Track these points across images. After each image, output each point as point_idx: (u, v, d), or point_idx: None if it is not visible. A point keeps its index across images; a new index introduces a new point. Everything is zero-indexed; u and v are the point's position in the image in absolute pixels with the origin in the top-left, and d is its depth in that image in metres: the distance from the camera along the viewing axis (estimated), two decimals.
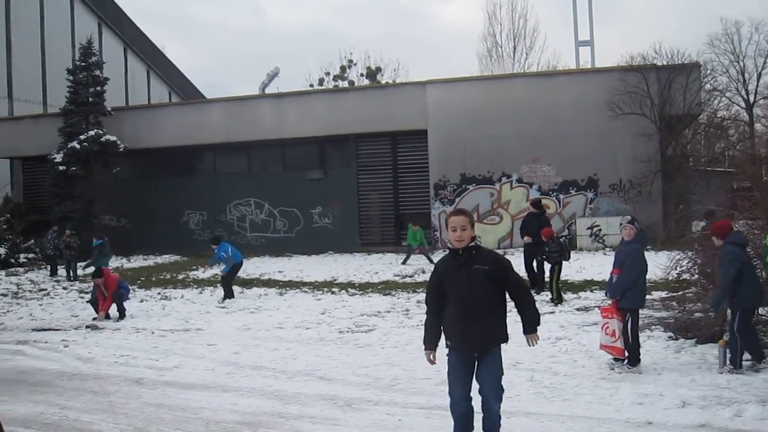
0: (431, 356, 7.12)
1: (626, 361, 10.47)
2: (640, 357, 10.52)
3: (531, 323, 7.03)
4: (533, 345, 7.07)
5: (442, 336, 7.08)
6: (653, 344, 11.96)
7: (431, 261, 26.97)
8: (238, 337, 14.71)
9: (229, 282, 20.80)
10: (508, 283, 6.88)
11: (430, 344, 7.11)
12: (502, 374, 7.10)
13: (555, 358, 11.35)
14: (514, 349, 11.97)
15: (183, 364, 12.23)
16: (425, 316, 7.19)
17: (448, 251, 6.99)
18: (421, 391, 9.73)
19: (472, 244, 6.84)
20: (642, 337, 12.28)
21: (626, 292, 10.43)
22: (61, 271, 28.83)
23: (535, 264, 19.82)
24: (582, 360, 11.13)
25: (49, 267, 30.12)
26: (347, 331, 14.86)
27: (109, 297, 17.91)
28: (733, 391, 9.06)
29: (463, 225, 6.77)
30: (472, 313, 6.71)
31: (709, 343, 11.33)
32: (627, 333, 10.48)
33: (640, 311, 11.02)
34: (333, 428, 8.23)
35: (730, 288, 9.86)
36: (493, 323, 6.84)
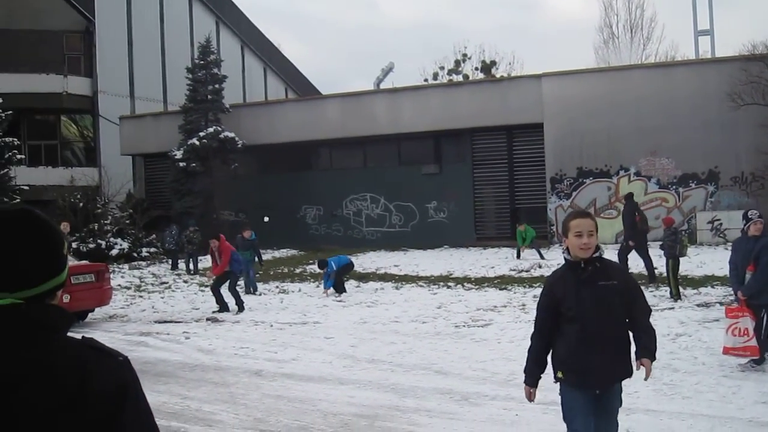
0: (531, 394, 6.12)
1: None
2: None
3: (647, 347, 5.68)
4: (647, 377, 5.79)
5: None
6: None
7: (542, 256, 26.77)
8: (354, 330, 14.89)
9: (340, 280, 20.98)
10: (635, 305, 5.68)
11: (532, 378, 6.08)
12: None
13: (675, 354, 11.17)
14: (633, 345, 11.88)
15: (301, 356, 12.45)
16: (530, 341, 6.16)
17: (564, 262, 5.80)
18: (539, 387, 9.68)
19: (597, 254, 5.63)
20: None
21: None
22: (182, 265, 29.55)
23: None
24: (702, 357, 10.93)
25: (170, 261, 30.92)
26: (463, 326, 14.89)
27: (223, 263, 18.40)
28: None
29: (590, 230, 5.58)
30: (596, 340, 5.48)
31: None
32: (761, 331, 10.12)
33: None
34: (450, 422, 8.27)
35: None
36: (620, 352, 5.66)
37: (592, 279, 5.52)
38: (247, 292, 21.58)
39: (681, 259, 17.63)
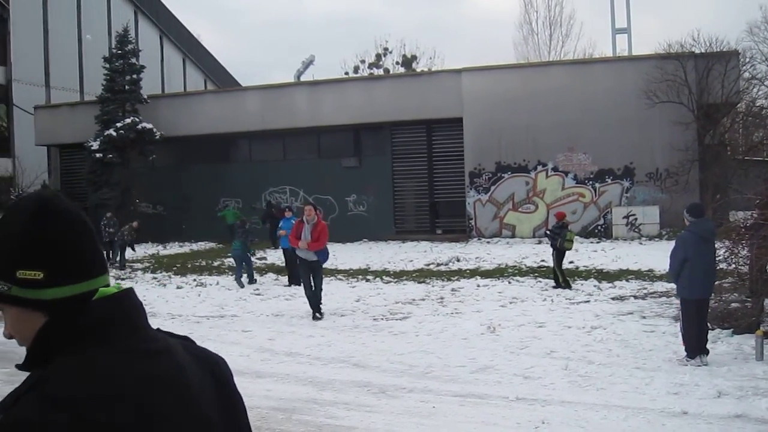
0: None
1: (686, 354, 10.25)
2: (704, 348, 10.18)
3: None
4: None
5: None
6: None
7: None
8: (272, 323, 14.80)
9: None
10: None
11: None
12: None
13: (590, 347, 11.32)
14: (549, 338, 12.02)
15: (218, 350, 12.06)
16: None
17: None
18: (455, 379, 9.74)
19: None
20: (677, 326, 12.23)
21: (677, 281, 10.22)
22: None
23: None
24: (617, 349, 11.09)
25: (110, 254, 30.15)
26: (382, 319, 14.89)
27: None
28: None
29: None
30: None
31: (745, 334, 11.22)
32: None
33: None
34: (367, 415, 8.26)
35: None
36: None
37: None
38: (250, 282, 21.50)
39: (567, 252, 19.03)
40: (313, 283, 15.18)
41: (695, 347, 10.09)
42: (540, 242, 29.94)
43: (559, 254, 18.63)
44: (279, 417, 8.33)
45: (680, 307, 10.27)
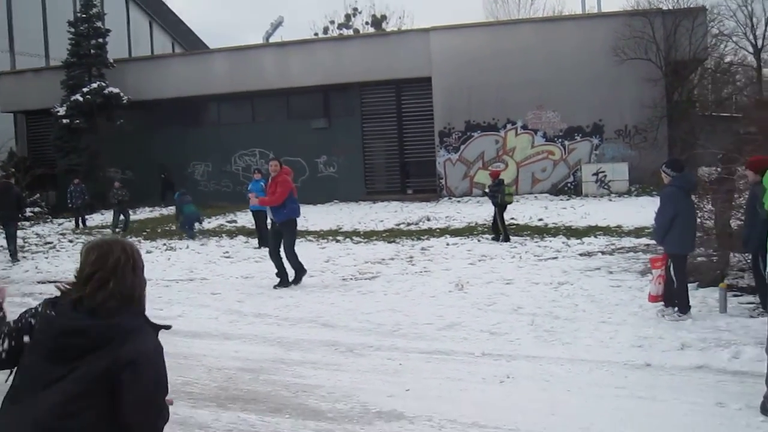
0: None
1: (676, 308, 10.26)
2: (690, 304, 10.19)
3: None
4: None
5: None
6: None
7: None
8: (241, 286, 14.76)
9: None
10: None
11: None
12: None
13: (556, 302, 11.38)
14: (516, 294, 12.10)
15: (187, 313, 12.29)
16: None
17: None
18: (422, 336, 9.79)
19: None
20: (644, 280, 12.34)
21: (666, 237, 10.19)
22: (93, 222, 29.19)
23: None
24: (583, 304, 11.15)
25: (73, 220, 30.05)
26: (351, 279, 14.91)
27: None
28: (732, 333, 9.09)
29: None
30: None
31: (710, 287, 11.32)
32: (670, 279, 10.29)
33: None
34: (334, 373, 8.29)
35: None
36: None
37: None
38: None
39: (508, 207, 20.12)
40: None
41: (687, 302, 10.12)
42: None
43: (501, 209, 19.54)
44: (246, 377, 8.34)
45: (672, 264, 10.20)
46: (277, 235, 14.22)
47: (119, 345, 3.01)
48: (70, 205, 29.73)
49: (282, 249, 14.17)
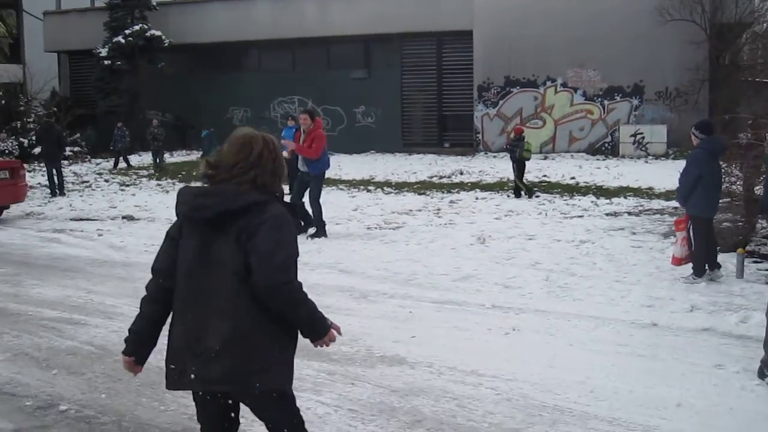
0: None
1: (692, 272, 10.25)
2: (706, 268, 10.08)
3: None
4: None
5: None
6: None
7: None
8: None
9: None
10: None
11: None
12: None
13: (575, 260, 11.43)
14: (536, 250, 12.17)
15: None
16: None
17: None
18: (436, 286, 9.91)
19: None
20: (666, 242, 12.35)
21: (688, 199, 10.14)
22: (122, 164, 29.75)
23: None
24: (601, 263, 11.19)
25: (112, 161, 30.61)
26: (375, 228, 15.07)
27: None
28: (744, 298, 9.09)
29: None
30: None
31: (731, 252, 11.29)
32: (690, 242, 10.29)
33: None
34: (345, 318, 8.39)
35: None
36: None
37: None
38: None
39: (526, 163, 20.01)
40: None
41: (703, 266, 10.11)
42: (546, 158, 29.99)
43: (519, 165, 19.60)
44: None
45: (692, 227, 10.18)
46: (304, 185, 14.22)
47: (253, 214, 3.55)
48: (111, 148, 30.17)
49: (307, 198, 14.12)
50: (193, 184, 3.89)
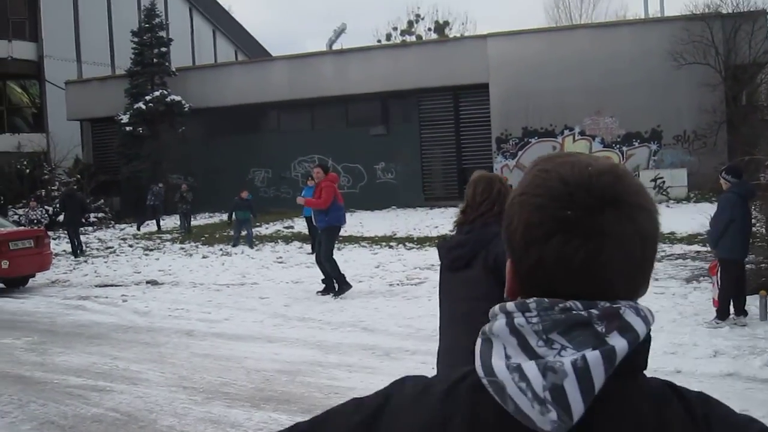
0: None
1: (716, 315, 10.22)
2: (732, 312, 10.15)
3: None
4: None
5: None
6: (699, 295, 11.98)
7: None
8: (290, 290, 15.05)
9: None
10: None
11: None
12: None
13: None
14: None
15: (233, 316, 12.59)
16: None
17: None
18: None
19: None
20: (688, 288, 12.32)
21: (718, 242, 10.21)
22: (148, 226, 30.40)
23: None
24: None
25: (135, 225, 31.26)
26: (397, 284, 15.11)
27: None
28: None
29: None
30: None
31: (755, 294, 11.24)
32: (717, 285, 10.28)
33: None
34: (368, 376, 8.46)
35: None
36: None
37: None
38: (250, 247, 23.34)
39: None
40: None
41: (727, 310, 10.11)
42: None
43: None
44: (283, 379, 8.57)
45: (720, 270, 10.21)
46: (317, 241, 14.37)
47: (495, 244, 4.08)
48: (147, 203, 30.60)
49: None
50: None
